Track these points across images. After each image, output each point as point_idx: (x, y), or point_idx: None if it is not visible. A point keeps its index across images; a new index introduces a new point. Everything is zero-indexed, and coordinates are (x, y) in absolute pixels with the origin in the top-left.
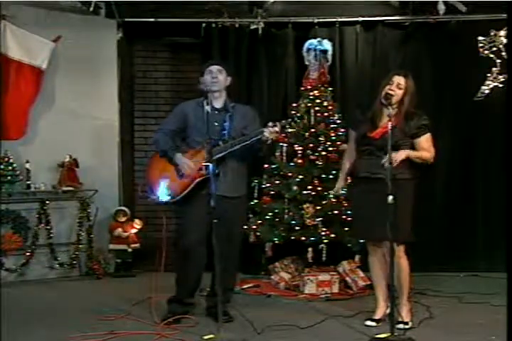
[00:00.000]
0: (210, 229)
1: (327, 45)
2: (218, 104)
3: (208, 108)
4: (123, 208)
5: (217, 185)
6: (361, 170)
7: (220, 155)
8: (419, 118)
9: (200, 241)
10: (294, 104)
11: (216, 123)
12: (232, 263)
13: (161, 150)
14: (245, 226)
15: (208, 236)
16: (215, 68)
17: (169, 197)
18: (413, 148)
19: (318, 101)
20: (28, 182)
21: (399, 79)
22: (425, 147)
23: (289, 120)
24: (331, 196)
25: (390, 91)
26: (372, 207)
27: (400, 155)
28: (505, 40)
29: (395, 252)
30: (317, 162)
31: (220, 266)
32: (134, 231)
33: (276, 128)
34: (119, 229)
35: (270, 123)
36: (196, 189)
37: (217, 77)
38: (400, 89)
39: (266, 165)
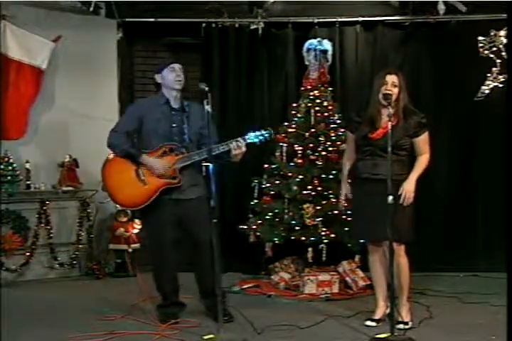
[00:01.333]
0: (179, 233)
1: (327, 45)
2: (176, 103)
3: (208, 108)
4: (124, 208)
5: (174, 189)
6: (363, 171)
7: (184, 164)
8: (417, 116)
9: (169, 245)
10: (294, 104)
11: (175, 125)
12: (208, 261)
13: (121, 150)
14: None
15: (179, 239)
16: (177, 66)
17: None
18: (412, 147)
19: (318, 101)
20: (28, 182)
21: (392, 78)
22: (422, 147)
23: (258, 133)
24: (343, 203)
25: (389, 91)
26: (373, 207)
27: (410, 190)
28: (505, 40)
29: (395, 252)
30: (317, 162)
31: (197, 264)
32: (135, 231)
33: (243, 146)
34: (121, 229)
35: (240, 140)
36: (160, 195)
37: (179, 75)
38: (395, 87)
39: (266, 165)
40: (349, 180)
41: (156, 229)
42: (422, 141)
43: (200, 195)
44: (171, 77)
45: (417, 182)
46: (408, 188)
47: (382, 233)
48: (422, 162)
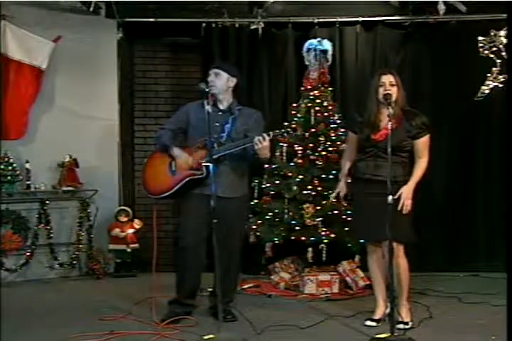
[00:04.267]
0: (210, 229)
1: (327, 45)
2: (222, 105)
3: (208, 108)
4: (125, 208)
5: (207, 184)
6: (365, 172)
7: (211, 158)
8: (420, 117)
9: (197, 242)
10: (294, 104)
11: (217, 124)
12: (234, 264)
13: (162, 145)
14: (246, 226)
15: (207, 237)
16: (212, 71)
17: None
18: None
19: (318, 101)
20: (28, 182)
21: (388, 78)
22: (422, 149)
23: (283, 130)
24: (332, 198)
25: (388, 91)
26: (373, 207)
27: (408, 197)
28: (505, 40)
29: (395, 252)
30: (317, 162)
31: (222, 266)
32: (131, 231)
33: (264, 142)
34: (117, 230)
35: (263, 135)
36: (188, 188)
37: (212, 81)
38: (392, 86)
39: (266, 165)
40: (349, 180)
41: (189, 225)
42: (422, 143)
43: (240, 195)
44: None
45: (417, 183)
46: (406, 195)
47: (382, 233)
48: (421, 167)
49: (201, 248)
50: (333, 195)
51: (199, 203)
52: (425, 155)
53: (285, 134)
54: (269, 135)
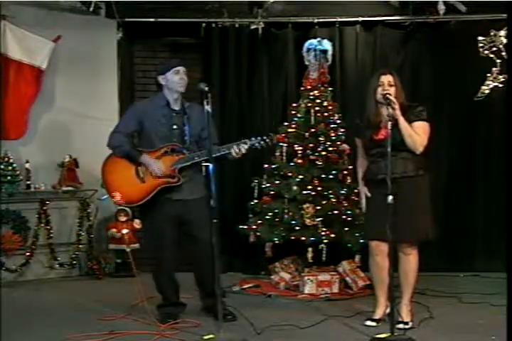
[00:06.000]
0: (177, 233)
1: (327, 45)
2: (176, 105)
3: (207, 108)
4: (125, 208)
5: (174, 189)
6: (378, 173)
7: (184, 165)
8: (415, 109)
9: (167, 245)
10: (294, 104)
11: (175, 127)
12: (208, 261)
13: (122, 151)
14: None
15: (178, 239)
16: (182, 69)
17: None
18: None
19: (318, 101)
20: (28, 182)
21: (387, 78)
22: (418, 133)
23: (259, 138)
24: (363, 205)
25: (387, 91)
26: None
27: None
28: (505, 40)
29: (408, 251)
30: (317, 162)
31: (199, 266)
32: (125, 231)
33: (243, 151)
34: (113, 230)
35: (241, 146)
36: (158, 194)
37: (183, 78)
38: (391, 86)
39: (266, 165)
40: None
41: (155, 229)
42: (418, 127)
43: (201, 196)
44: (175, 80)
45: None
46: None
47: (397, 232)
48: (416, 132)
49: (172, 250)
50: (363, 202)
51: (168, 207)
52: (423, 137)
53: (261, 142)
54: (246, 143)
